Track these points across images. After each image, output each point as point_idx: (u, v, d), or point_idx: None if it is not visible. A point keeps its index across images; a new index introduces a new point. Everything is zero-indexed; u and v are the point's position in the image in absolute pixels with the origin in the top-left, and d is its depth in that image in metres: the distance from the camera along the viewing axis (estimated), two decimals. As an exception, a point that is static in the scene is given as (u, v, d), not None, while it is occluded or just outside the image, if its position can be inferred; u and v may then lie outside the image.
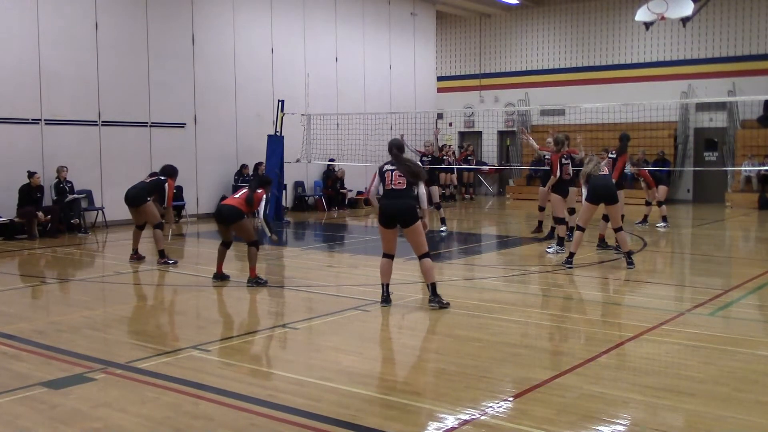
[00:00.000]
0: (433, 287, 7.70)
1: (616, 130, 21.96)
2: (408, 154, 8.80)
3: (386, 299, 7.82)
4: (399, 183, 7.60)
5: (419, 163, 8.62)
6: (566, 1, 25.66)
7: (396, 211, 7.52)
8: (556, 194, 11.69)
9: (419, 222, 7.59)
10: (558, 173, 11.52)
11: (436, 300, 7.66)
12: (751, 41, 22.60)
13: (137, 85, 16.24)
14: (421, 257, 7.66)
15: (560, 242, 11.52)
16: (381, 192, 7.82)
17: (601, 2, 25.05)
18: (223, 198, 16.55)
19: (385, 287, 7.84)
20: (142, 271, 10.39)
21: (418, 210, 7.68)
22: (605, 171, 10.47)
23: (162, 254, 10.64)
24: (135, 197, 10.71)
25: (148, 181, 11.10)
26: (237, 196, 9.20)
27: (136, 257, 10.93)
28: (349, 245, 14.39)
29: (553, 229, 13.27)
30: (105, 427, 4.44)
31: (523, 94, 26.28)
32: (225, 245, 9.33)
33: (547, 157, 13.36)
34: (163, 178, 10.84)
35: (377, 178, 7.83)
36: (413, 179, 7.60)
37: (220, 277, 9.30)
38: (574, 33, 25.67)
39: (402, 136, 17.23)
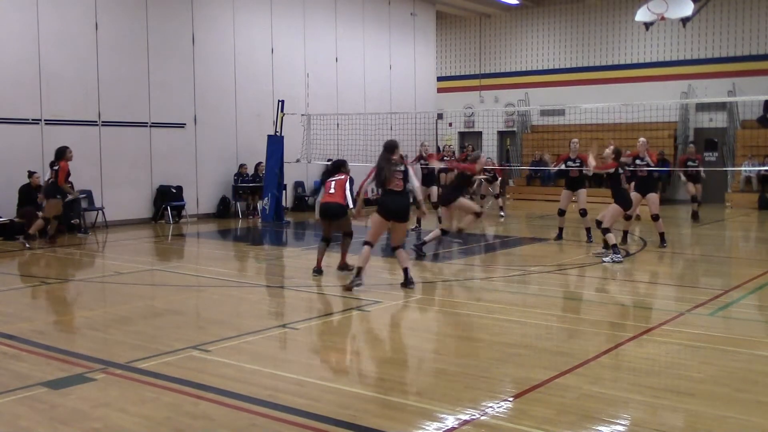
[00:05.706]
0: (406, 271, 8.65)
1: (616, 130, 22.06)
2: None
3: (358, 278, 8.57)
4: (397, 185, 8.72)
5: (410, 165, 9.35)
6: (566, 1, 25.67)
7: (396, 208, 8.65)
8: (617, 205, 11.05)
9: (408, 221, 8.80)
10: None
11: (409, 281, 8.61)
12: (751, 41, 22.62)
13: (137, 85, 16.23)
14: (396, 248, 8.78)
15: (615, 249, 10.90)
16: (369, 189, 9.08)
17: (601, 2, 25.05)
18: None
19: (359, 270, 8.58)
20: (142, 272, 10.40)
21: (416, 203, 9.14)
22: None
23: (29, 236, 12.36)
24: (47, 192, 12.52)
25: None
26: (332, 191, 9.67)
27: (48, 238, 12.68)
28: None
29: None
30: (105, 427, 4.44)
31: (523, 95, 26.30)
32: (326, 242, 9.91)
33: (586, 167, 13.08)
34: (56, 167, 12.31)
35: (373, 174, 8.96)
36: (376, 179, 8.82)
37: (320, 272, 9.70)
38: (574, 33, 25.68)
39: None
